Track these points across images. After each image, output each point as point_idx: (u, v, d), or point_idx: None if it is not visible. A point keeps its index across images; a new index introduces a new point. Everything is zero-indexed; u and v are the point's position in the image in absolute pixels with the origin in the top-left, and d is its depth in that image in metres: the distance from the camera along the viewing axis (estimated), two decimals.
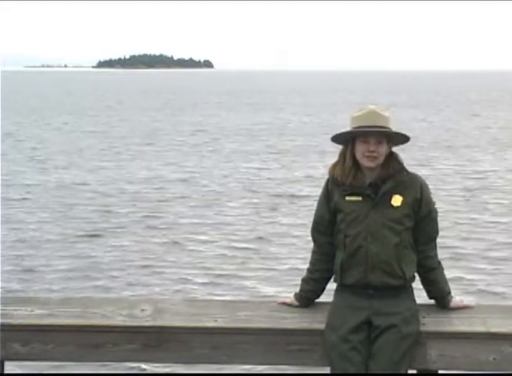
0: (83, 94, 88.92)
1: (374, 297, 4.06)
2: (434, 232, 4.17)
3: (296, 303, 4.26)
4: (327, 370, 4.08)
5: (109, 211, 17.34)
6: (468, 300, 4.38)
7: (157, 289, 11.60)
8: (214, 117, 48.90)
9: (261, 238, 14.77)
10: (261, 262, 13.14)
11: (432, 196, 4.22)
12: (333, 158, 4.30)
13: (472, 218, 16.50)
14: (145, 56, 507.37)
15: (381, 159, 4.10)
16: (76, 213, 17.16)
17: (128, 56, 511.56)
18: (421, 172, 5.73)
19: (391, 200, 4.08)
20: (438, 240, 4.24)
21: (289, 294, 4.52)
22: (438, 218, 4.21)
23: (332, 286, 4.25)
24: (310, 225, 4.33)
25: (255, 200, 18.83)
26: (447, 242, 13.54)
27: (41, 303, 4.33)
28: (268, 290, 11.55)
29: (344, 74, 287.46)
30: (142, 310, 4.26)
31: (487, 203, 18.40)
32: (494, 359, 4.06)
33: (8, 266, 12.72)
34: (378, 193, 4.08)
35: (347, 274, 4.10)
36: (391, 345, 3.98)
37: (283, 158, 27.43)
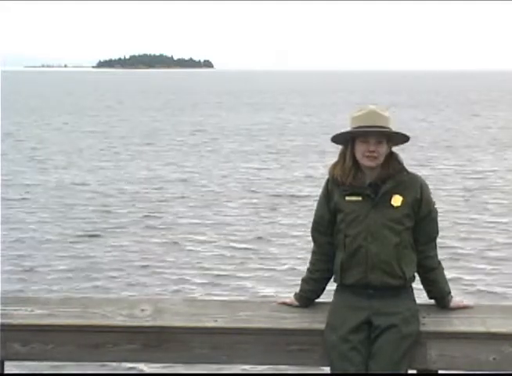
0: (83, 94, 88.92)
1: (374, 297, 4.06)
2: (434, 232, 4.17)
3: (296, 303, 4.26)
4: (327, 370, 4.08)
5: (108, 211, 17.34)
6: (468, 300, 4.38)
7: (157, 289, 11.60)
8: (214, 117, 48.90)
9: (260, 238, 14.77)
10: (260, 263, 13.13)
11: (432, 196, 4.22)
12: (332, 158, 4.30)
13: (472, 219, 16.50)
14: (145, 56, 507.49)
15: (381, 159, 4.10)
16: (75, 213, 17.16)
17: (128, 56, 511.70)
18: (421, 172, 5.74)
19: (391, 200, 4.08)
20: (438, 240, 4.24)
21: (288, 294, 4.52)
22: (438, 218, 4.22)
23: (332, 286, 4.25)
24: (310, 225, 4.33)
25: (255, 201, 18.82)
26: (446, 242, 13.54)
27: (41, 303, 4.34)
28: (268, 290, 11.55)
29: (344, 74, 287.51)
30: (142, 310, 4.26)
31: (486, 203, 18.40)
32: (494, 359, 4.06)
33: (7, 266, 12.72)
34: (378, 193, 4.09)
35: (347, 274, 4.10)
36: (391, 345, 3.98)
37: (282, 158, 27.43)
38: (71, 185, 21.22)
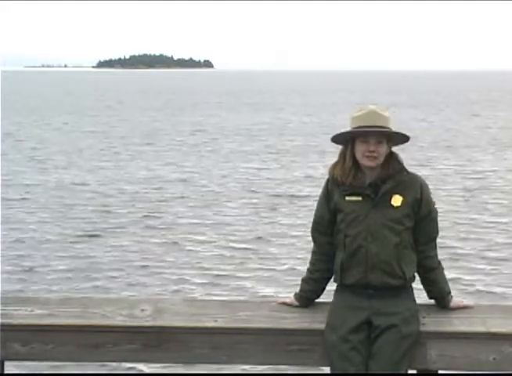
0: (83, 94, 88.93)
1: (374, 297, 4.06)
2: (434, 232, 4.17)
3: (296, 303, 4.26)
4: (327, 370, 4.08)
5: (108, 212, 17.34)
6: (467, 300, 4.38)
7: (156, 289, 11.60)
8: (214, 117, 48.90)
9: (260, 238, 14.77)
10: (260, 263, 13.13)
11: (432, 196, 4.22)
12: (332, 158, 4.30)
13: (471, 219, 16.50)
14: (145, 56, 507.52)
15: (381, 159, 4.10)
16: (75, 213, 17.16)
17: (128, 56, 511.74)
18: (421, 172, 5.74)
19: (391, 200, 4.08)
20: (438, 240, 4.24)
21: (288, 294, 4.52)
22: (438, 218, 4.22)
23: (332, 286, 4.25)
24: (309, 225, 4.33)
25: (254, 201, 18.82)
26: (446, 242, 13.54)
27: (41, 303, 4.34)
28: (268, 290, 11.55)
29: (344, 74, 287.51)
30: (142, 310, 4.26)
31: (486, 203, 18.40)
32: (494, 359, 4.06)
33: (7, 266, 12.72)
34: (378, 193, 4.09)
35: (347, 274, 4.10)
36: (391, 345, 3.98)
37: (282, 158, 27.43)
38: (71, 185, 21.22)
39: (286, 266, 12.80)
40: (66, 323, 4.19)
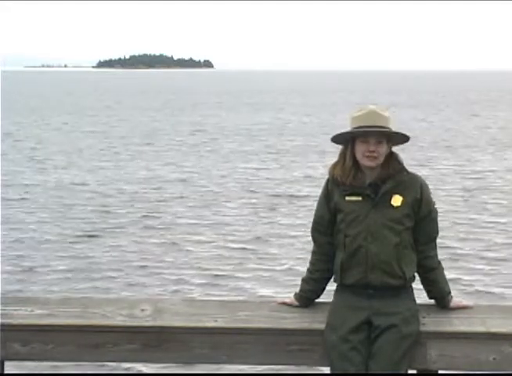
0: (83, 94, 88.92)
1: (374, 297, 4.06)
2: (434, 232, 4.17)
3: (296, 303, 4.26)
4: (327, 370, 4.08)
5: (107, 212, 17.34)
6: (467, 300, 4.38)
7: (156, 289, 11.60)
8: (214, 117, 48.90)
9: (259, 238, 14.76)
10: (259, 263, 13.13)
11: (432, 196, 4.22)
12: (332, 158, 4.30)
13: (471, 219, 16.50)
14: (145, 56, 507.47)
15: (381, 159, 4.10)
16: (75, 213, 17.15)
17: (128, 56, 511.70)
18: (421, 172, 5.73)
19: (391, 200, 4.08)
20: (437, 240, 4.24)
21: (287, 294, 4.52)
22: (438, 219, 4.22)
23: (332, 286, 4.25)
24: (309, 225, 4.33)
25: (254, 201, 18.82)
26: (445, 242, 13.53)
27: (41, 303, 4.34)
28: (267, 290, 11.55)
29: (344, 74, 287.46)
30: (142, 310, 4.26)
31: (486, 203, 18.40)
32: (494, 359, 4.06)
33: (7, 266, 12.72)
34: (378, 193, 4.09)
35: (347, 274, 4.10)
36: (391, 345, 3.98)
37: (282, 158, 27.43)
38: (71, 185, 21.22)
39: (285, 266, 12.79)
40: (66, 323, 4.18)
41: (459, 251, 13.69)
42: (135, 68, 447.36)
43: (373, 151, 4.06)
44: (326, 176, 4.23)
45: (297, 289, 4.29)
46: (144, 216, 16.84)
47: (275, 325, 4.15)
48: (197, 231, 15.43)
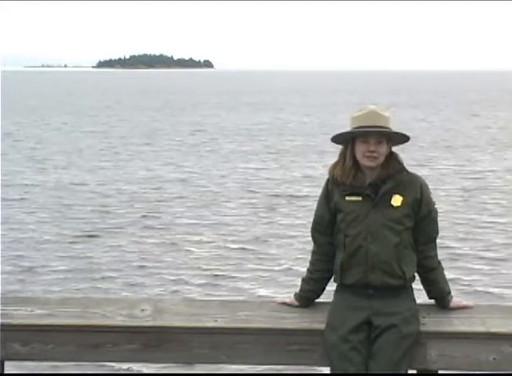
0: (83, 94, 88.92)
1: (374, 297, 4.06)
2: (434, 232, 4.17)
3: (296, 303, 4.26)
4: (327, 370, 4.08)
5: (107, 212, 17.34)
6: (467, 300, 4.38)
7: (155, 290, 11.60)
8: (214, 117, 48.90)
9: (258, 238, 14.77)
10: (258, 263, 13.13)
11: (432, 196, 4.22)
12: (332, 158, 4.30)
13: (470, 219, 16.50)
14: (145, 56, 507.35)
15: (381, 159, 4.10)
16: (74, 213, 17.16)
17: (128, 56, 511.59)
18: (420, 172, 5.73)
19: (391, 200, 4.08)
20: (437, 240, 4.24)
21: (286, 294, 4.52)
22: (438, 218, 4.22)
23: (332, 286, 4.25)
24: (309, 225, 4.33)
25: (253, 201, 18.82)
26: (445, 242, 13.53)
27: (41, 303, 4.33)
28: (266, 290, 11.55)
29: (344, 74, 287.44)
30: (142, 310, 4.25)
31: (485, 203, 18.41)
32: (494, 359, 4.06)
33: (7, 266, 12.72)
34: (378, 193, 4.08)
35: (347, 274, 4.10)
36: (391, 345, 3.98)
37: (281, 158, 27.43)
38: (70, 185, 21.22)
39: (284, 266, 12.79)
40: (66, 323, 4.18)
41: (458, 251, 13.70)
42: (135, 68, 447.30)
43: (373, 151, 4.06)
44: (326, 176, 4.23)
45: (297, 289, 4.29)
46: (144, 216, 16.85)
47: (275, 325, 4.15)
48: (197, 231, 15.44)
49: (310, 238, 4.31)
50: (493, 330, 4.07)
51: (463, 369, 4.13)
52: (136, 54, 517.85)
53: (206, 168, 24.76)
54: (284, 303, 4.28)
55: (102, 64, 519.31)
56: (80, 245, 14.31)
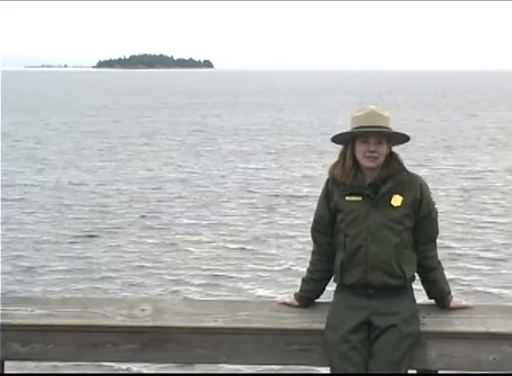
0: (82, 94, 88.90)
1: (374, 297, 4.06)
2: (434, 232, 4.17)
3: (296, 303, 4.26)
4: (327, 370, 4.08)
5: (106, 212, 17.34)
6: (466, 300, 4.38)
7: (154, 290, 11.60)
8: (214, 117, 48.90)
9: (258, 239, 14.77)
10: (258, 263, 13.13)
11: (432, 196, 4.22)
12: (331, 158, 4.31)
13: (469, 219, 16.50)
14: (145, 56, 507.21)
15: (381, 159, 4.10)
16: (74, 213, 17.16)
17: (128, 56, 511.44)
18: (420, 172, 5.73)
19: (391, 200, 4.08)
20: (436, 240, 4.25)
21: (286, 294, 4.52)
22: (438, 219, 4.22)
23: (332, 286, 4.25)
24: (308, 225, 4.34)
25: (253, 201, 18.83)
26: (444, 242, 13.53)
27: (41, 303, 4.33)
28: (266, 291, 11.55)
29: (344, 74, 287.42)
30: (142, 310, 4.25)
31: (485, 203, 18.41)
32: (494, 359, 4.06)
33: (6, 266, 12.72)
34: (378, 193, 4.08)
35: (347, 274, 4.10)
36: (391, 345, 3.98)
37: (281, 158, 27.44)
38: (69, 185, 21.23)
39: (284, 267, 12.80)
40: (66, 323, 4.18)
41: (457, 251, 13.70)
42: (135, 68, 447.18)
43: (374, 151, 4.07)
44: (326, 176, 4.23)
45: (297, 289, 4.29)
46: (143, 216, 16.85)
47: (275, 325, 4.15)
48: (196, 231, 15.44)
49: (310, 238, 4.31)
50: (493, 330, 4.07)
51: (463, 369, 4.13)
52: (136, 54, 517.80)
53: (205, 168, 24.76)
54: (284, 303, 4.28)
55: (102, 64, 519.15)
56: (79, 245, 14.31)
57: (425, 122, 44.20)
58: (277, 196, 19.48)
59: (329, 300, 4.20)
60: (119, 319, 4.20)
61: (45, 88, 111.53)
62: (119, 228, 15.70)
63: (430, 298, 4.23)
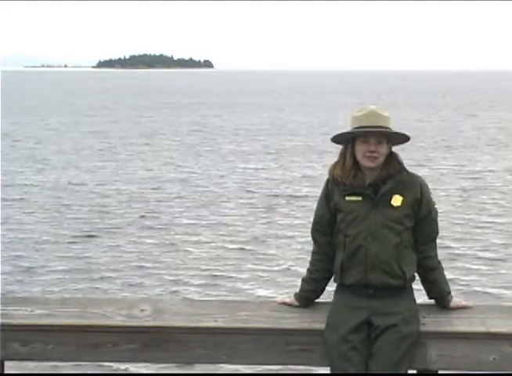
0: (82, 94, 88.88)
1: (374, 297, 4.06)
2: (434, 232, 4.17)
3: (296, 303, 4.26)
4: (327, 370, 4.08)
5: (106, 212, 17.34)
6: (466, 300, 4.38)
7: (154, 290, 11.60)
8: (213, 117, 48.89)
9: (257, 239, 14.77)
10: (258, 263, 13.13)
11: (432, 196, 4.22)
12: (331, 158, 4.31)
13: (469, 219, 16.50)
14: (145, 56, 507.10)
15: (381, 159, 4.10)
16: (73, 213, 17.15)
17: (128, 56, 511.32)
18: (420, 172, 5.73)
19: (391, 200, 4.08)
20: (436, 240, 4.24)
21: (285, 295, 4.52)
22: (438, 219, 4.22)
23: (332, 286, 4.25)
24: (308, 225, 4.34)
25: (252, 201, 18.82)
26: (444, 242, 13.53)
27: (40, 303, 4.33)
28: (266, 291, 11.55)
29: (344, 74, 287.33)
30: (142, 310, 4.25)
31: (484, 203, 18.41)
32: (494, 359, 4.06)
33: (6, 267, 12.72)
34: (378, 193, 4.08)
35: (347, 274, 4.10)
36: (391, 345, 3.98)
37: (281, 158, 27.43)
38: (69, 185, 21.22)
39: (283, 267, 12.80)
40: (65, 323, 4.18)
41: (457, 251, 13.71)
42: (135, 68, 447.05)
43: (374, 151, 4.07)
44: (326, 176, 4.23)
45: (297, 289, 4.29)
46: (143, 216, 16.85)
47: (275, 325, 4.15)
48: (196, 231, 15.44)
49: (309, 238, 4.31)
50: (493, 330, 4.07)
51: (463, 369, 4.13)
52: (136, 54, 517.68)
53: (205, 168, 24.76)
54: (284, 303, 4.28)
55: (102, 64, 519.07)
56: (79, 245, 14.30)
57: (425, 122, 44.20)
58: (277, 196, 19.48)
59: (329, 300, 4.20)
60: (119, 320, 4.20)
61: (45, 88, 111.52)
62: (118, 228, 15.70)
63: (430, 298, 4.23)
